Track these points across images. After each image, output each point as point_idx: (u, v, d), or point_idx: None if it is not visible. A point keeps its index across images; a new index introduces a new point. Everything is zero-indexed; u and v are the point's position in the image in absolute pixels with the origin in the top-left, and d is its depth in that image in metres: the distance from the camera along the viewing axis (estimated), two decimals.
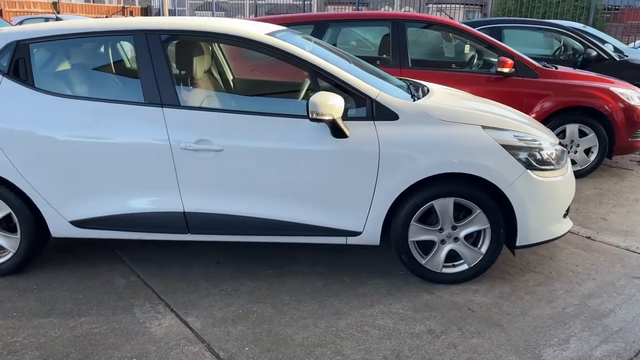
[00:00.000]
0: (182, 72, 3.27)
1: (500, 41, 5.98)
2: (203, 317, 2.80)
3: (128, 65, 3.42)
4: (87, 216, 3.08)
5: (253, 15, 22.50)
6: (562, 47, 7.74)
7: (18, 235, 3.13)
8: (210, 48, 3.77)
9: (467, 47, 5.82)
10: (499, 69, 4.94)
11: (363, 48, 6.16)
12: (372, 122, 2.92)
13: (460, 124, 2.94)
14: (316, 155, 2.91)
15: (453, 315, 2.79)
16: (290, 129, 2.92)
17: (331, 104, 2.72)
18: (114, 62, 3.33)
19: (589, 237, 3.79)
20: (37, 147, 2.97)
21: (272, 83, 3.98)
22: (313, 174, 2.93)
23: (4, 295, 3.00)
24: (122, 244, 3.62)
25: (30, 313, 2.83)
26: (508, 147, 2.92)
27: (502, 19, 8.32)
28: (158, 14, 25.96)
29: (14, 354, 2.48)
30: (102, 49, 3.32)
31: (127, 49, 3.42)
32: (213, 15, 22.50)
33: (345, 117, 2.88)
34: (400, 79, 3.72)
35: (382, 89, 3.02)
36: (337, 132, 2.85)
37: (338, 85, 2.96)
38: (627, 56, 7.74)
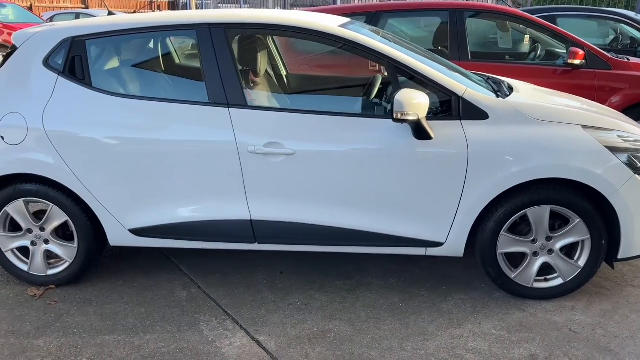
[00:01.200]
0: (247, 69, 3.04)
1: None
2: (276, 335, 2.58)
3: (191, 62, 3.20)
4: (148, 224, 2.87)
5: (280, 8, 22.22)
6: (620, 36, 7.31)
7: (75, 244, 2.95)
8: (266, 43, 3.53)
9: (526, 37, 5.47)
10: (569, 61, 4.58)
11: (413, 39, 5.85)
12: (459, 121, 2.64)
13: (558, 124, 2.64)
14: (397, 159, 2.64)
15: (554, 338, 2.51)
16: (369, 131, 2.66)
17: (417, 102, 2.45)
18: (175, 59, 3.12)
19: None
20: (96, 151, 2.78)
21: (336, 79, 3.72)
22: (393, 180, 2.67)
23: (62, 309, 2.83)
24: (179, 252, 3.42)
25: (92, 329, 2.64)
26: (613, 149, 2.61)
27: (555, 7, 7.89)
28: (185, 7, 25.88)
29: None
30: (162, 45, 3.11)
31: (189, 44, 3.20)
32: (241, 8, 22.27)
33: (428, 116, 2.61)
34: (477, 74, 3.42)
35: (468, 86, 2.74)
36: (420, 133, 2.58)
37: (421, 82, 2.68)
38: None
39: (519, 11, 5.30)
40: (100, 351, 2.47)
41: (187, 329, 2.64)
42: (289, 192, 2.75)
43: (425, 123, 2.55)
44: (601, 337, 2.51)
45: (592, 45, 4.79)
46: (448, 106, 2.67)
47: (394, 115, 2.46)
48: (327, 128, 2.68)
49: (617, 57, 4.82)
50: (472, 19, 5.13)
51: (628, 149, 2.64)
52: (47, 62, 2.85)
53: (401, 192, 2.69)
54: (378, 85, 3.20)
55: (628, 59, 4.92)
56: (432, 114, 2.68)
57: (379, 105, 3.01)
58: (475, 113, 2.64)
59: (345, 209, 2.74)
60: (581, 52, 4.58)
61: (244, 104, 2.72)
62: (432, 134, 2.58)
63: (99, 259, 3.14)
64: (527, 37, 5.43)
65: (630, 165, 2.63)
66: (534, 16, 5.14)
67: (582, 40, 4.79)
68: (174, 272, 3.22)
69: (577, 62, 4.57)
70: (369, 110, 2.77)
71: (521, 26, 5.24)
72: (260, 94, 2.98)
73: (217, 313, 2.78)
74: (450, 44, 4.92)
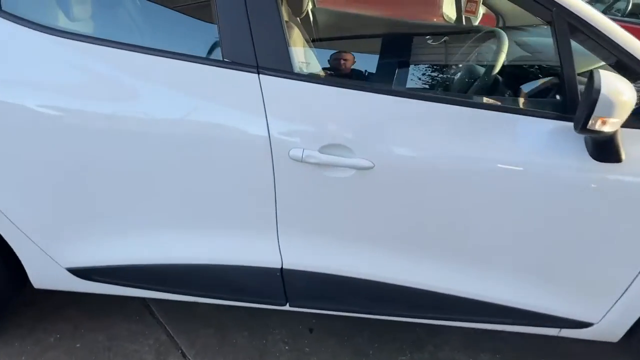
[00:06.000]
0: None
1: None
2: None
3: None
4: (101, 263, 1.67)
5: None
6: None
7: None
8: None
9: None
10: None
11: None
12: None
13: None
14: (553, 190, 1.50)
15: None
16: (509, 137, 1.50)
17: (625, 99, 1.30)
18: None
19: None
20: (7, 134, 1.51)
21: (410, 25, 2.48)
22: (542, 224, 1.54)
23: None
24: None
25: None
26: None
27: None
28: None
29: None
30: None
31: None
32: None
33: None
34: None
35: None
36: (606, 150, 1.44)
37: (610, 57, 1.51)
38: None
39: None
40: None
41: None
42: (353, 229, 1.59)
43: (619, 135, 1.42)
44: None
45: None
46: None
47: (589, 121, 1.30)
48: (434, 126, 1.49)
49: None
50: None
51: None
52: None
53: (552, 243, 1.57)
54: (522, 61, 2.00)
55: None
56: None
57: (524, 92, 1.82)
58: None
59: (450, 263, 1.62)
60: None
61: (287, 70, 1.49)
62: (622, 154, 1.45)
63: (7, 306, 1.93)
64: None
65: None
66: None
67: None
68: (144, 321, 2.04)
69: None
70: (503, 98, 1.62)
71: None
72: (311, 55, 1.75)
73: None
74: None
